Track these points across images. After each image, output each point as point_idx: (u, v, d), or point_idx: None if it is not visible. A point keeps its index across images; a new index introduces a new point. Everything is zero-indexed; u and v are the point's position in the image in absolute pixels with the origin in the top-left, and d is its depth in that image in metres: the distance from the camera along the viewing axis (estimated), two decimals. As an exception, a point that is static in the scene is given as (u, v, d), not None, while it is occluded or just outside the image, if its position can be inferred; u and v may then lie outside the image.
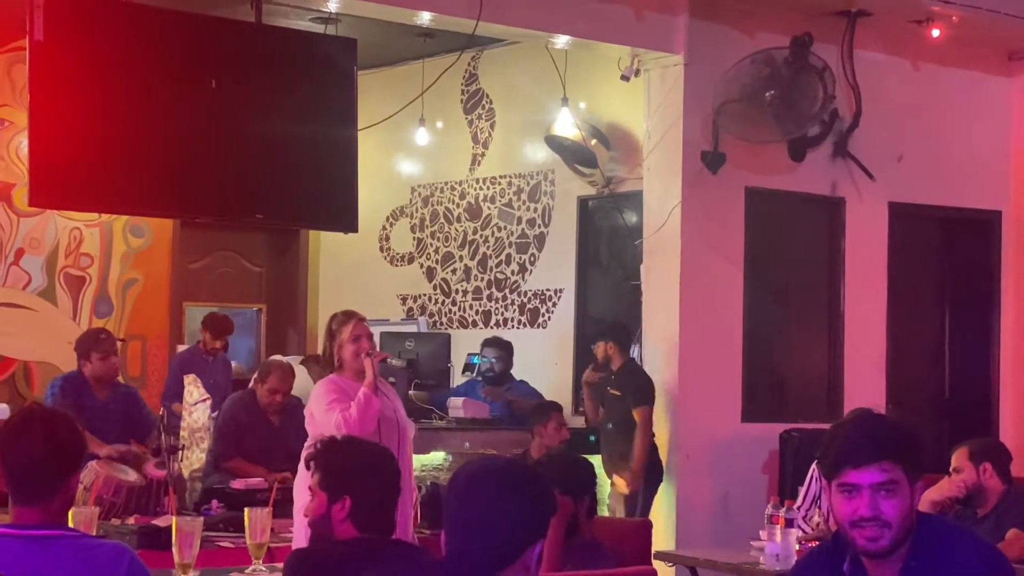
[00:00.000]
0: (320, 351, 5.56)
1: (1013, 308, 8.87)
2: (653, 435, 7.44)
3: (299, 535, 5.17)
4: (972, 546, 2.91)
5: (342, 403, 5.18)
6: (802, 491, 6.59)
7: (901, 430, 2.92)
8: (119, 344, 7.20)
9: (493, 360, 8.41)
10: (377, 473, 3.58)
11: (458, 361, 9.13)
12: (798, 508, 6.17)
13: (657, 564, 5.52)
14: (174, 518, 4.25)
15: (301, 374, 7.52)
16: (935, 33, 8.00)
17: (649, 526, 5.68)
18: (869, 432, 2.89)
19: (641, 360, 7.82)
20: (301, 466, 5.34)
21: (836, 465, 2.87)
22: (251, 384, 7.18)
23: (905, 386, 8.47)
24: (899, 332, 8.51)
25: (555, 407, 7.25)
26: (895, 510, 2.82)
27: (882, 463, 2.82)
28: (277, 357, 7.77)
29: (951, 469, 5.48)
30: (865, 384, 8.22)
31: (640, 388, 7.40)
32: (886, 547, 2.84)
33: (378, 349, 5.53)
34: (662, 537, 7.06)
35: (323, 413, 5.23)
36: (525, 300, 9.57)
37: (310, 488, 3.66)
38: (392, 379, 6.46)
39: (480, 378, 8.51)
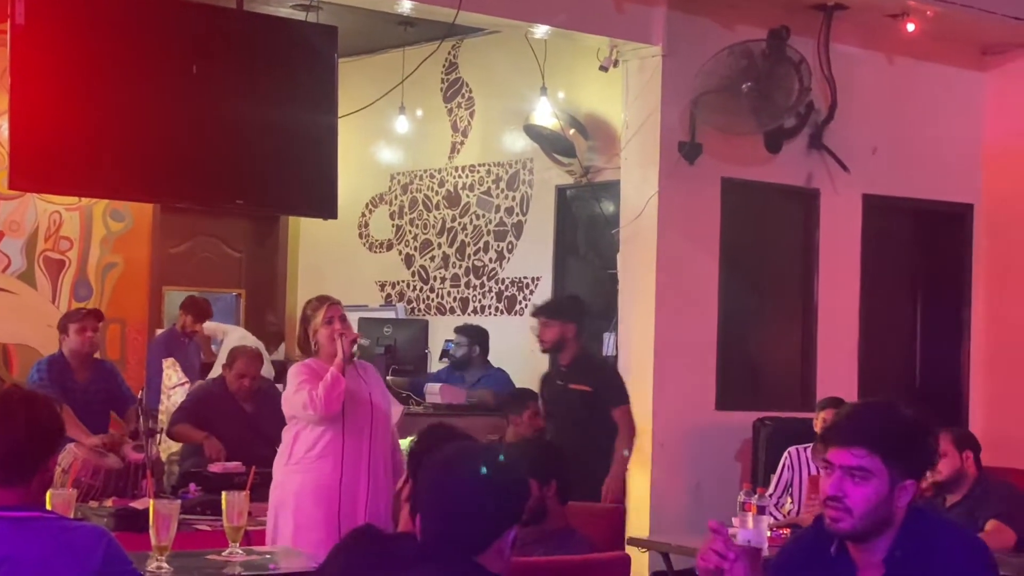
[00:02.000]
0: (297, 337, 5.62)
1: (984, 300, 8.93)
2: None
3: (272, 519, 5.23)
4: (956, 537, 2.92)
5: (312, 384, 5.23)
6: (774, 479, 6.67)
7: (893, 423, 2.89)
8: (100, 324, 7.23)
9: (463, 346, 8.47)
10: None
11: (435, 347, 9.18)
12: (770, 495, 6.25)
13: (630, 550, 5.54)
14: (152, 501, 4.25)
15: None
16: (910, 28, 8.05)
17: (622, 512, 5.71)
18: (855, 416, 2.92)
19: (616, 349, 7.85)
20: (280, 448, 5.41)
21: (823, 440, 2.93)
22: (220, 371, 7.20)
23: (877, 376, 8.50)
24: (872, 322, 8.55)
25: (531, 396, 7.21)
26: (859, 498, 2.82)
27: (854, 448, 2.82)
28: (244, 341, 7.78)
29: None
30: (837, 373, 8.26)
31: (617, 382, 6.92)
32: (846, 530, 2.85)
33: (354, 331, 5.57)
34: (635, 523, 7.12)
35: (293, 393, 5.29)
36: (502, 288, 9.62)
37: None
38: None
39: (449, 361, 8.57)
